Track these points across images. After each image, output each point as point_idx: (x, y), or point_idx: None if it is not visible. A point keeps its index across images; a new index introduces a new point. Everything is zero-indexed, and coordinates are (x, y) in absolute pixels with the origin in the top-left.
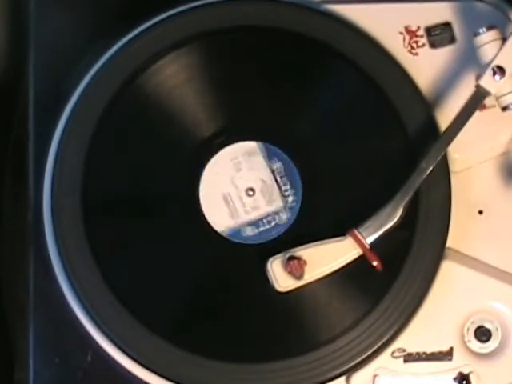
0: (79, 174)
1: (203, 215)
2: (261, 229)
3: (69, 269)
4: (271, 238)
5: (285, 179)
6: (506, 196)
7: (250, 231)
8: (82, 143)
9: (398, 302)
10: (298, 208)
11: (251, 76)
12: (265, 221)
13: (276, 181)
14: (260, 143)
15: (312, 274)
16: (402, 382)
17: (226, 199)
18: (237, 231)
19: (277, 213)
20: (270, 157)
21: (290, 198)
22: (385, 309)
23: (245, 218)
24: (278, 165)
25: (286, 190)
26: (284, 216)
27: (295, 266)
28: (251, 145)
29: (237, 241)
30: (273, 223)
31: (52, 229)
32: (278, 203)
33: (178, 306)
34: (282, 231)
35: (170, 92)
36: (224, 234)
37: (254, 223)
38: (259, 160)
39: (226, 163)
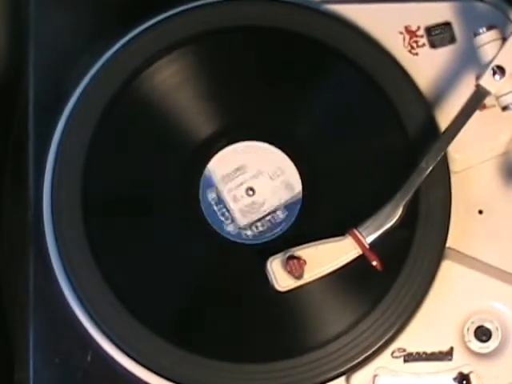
0: (79, 174)
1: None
2: (260, 229)
3: (69, 269)
4: (271, 237)
5: (282, 178)
6: (506, 196)
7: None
8: (82, 143)
9: (398, 302)
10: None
11: (251, 76)
12: (264, 221)
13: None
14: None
15: (312, 273)
16: (402, 381)
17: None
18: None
19: (275, 212)
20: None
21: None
22: (385, 309)
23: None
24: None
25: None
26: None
27: (295, 266)
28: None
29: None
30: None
31: (52, 229)
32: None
33: (178, 306)
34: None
35: (170, 92)
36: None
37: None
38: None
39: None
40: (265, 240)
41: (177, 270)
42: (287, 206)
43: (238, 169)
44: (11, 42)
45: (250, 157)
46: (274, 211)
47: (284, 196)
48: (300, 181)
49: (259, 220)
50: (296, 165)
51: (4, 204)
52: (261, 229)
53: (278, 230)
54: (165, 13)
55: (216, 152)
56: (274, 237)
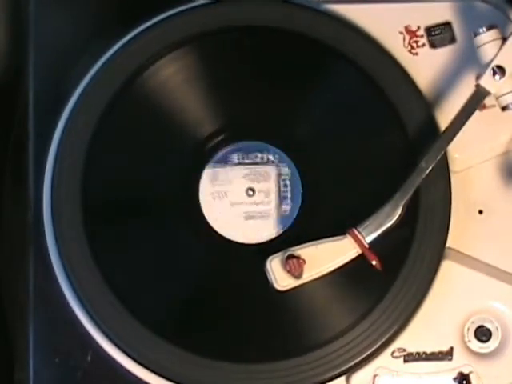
0: (79, 174)
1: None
2: (288, 195)
3: (69, 269)
4: (267, 238)
5: (251, 155)
6: (506, 196)
7: (286, 207)
8: (82, 143)
9: (398, 301)
10: (284, 157)
11: (251, 76)
12: (283, 189)
13: (248, 163)
14: (209, 165)
15: (311, 272)
16: (402, 382)
17: (249, 216)
18: (282, 219)
19: (280, 174)
20: (224, 161)
21: (271, 157)
22: (385, 309)
23: (272, 206)
24: (235, 156)
25: (262, 158)
26: (286, 170)
27: (294, 265)
28: (207, 172)
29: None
30: (288, 183)
31: (52, 229)
32: (271, 169)
33: (178, 306)
34: (277, 234)
35: (170, 92)
36: (280, 231)
37: (281, 200)
38: (223, 173)
39: (213, 201)
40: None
41: (177, 269)
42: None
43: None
44: (11, 42)
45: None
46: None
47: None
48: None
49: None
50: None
51: (4, 204)
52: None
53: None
54: (165, 13)
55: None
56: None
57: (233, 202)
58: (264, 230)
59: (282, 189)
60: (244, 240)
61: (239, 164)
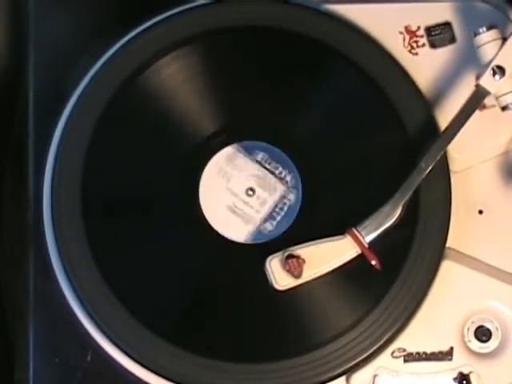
0: (79, 174)
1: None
2: (278, 218)
3: (69, 269)
4: (289, 222)
5: (274, 164)
6: (506, 196)
7: (269, 226)
8: (82, 143)
9: (398, 301)
10: (299, 185)
11: (251, 76)
12: (277, 210)
13: (267, 169)
14: (234, 145)
15: (311, 272)
16: (402, 382)
17: (233, 210)
18: (258, 232)
19: (284, 196)
20: (249, 152)
21: (288, 178)
22: (385, 309)
23: (258, 217)
24: (260, 155)
25: (281, 173)
26: (292, 196)
27: (294, 265)
28: (228, 150)
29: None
30: (285, 208)
31: (52, 229)
32: (281, 188)
33: (178, 306)
34: (297, 213)
35: (170, 92)
36: (250, 242)
37: (269, 217)
38: (242, 160)
39: (215, 177)
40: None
41: (177, 269)
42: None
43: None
44: (11, 42)
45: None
46: (280, 197)
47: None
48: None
49: (272, 212)
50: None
51: (4, 204)
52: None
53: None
54: (165, 13)
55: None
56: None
57: (230, 188)
58: (236, 230)
59: (277, 210)
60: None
61: (258, 163)
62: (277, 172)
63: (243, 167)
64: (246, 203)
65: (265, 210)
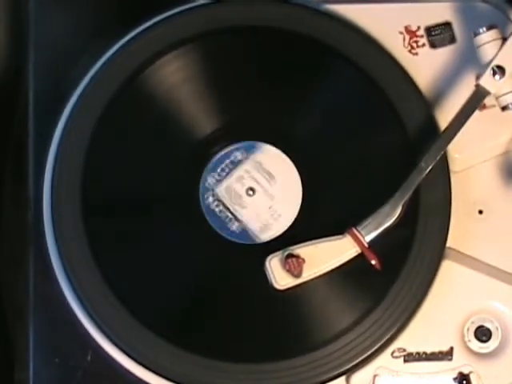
0: (79, 174)
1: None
2: (255, 228)
3: (69, 269)
4: (267, 238)
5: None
6: (506, 196)
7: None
8: (82, 143)
9: (398, 302)
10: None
11: (251, 76)
12: (272, 212)
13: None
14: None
15: (310, 272)
16: (402, 382)
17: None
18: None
19: (272, 213)
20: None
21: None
22: (385, 309)
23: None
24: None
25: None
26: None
27: (293, 264)
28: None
29: (236, 240)
30: (269, 224)
31: (52, 229)
32: (278, 194)
33: (178, 306)
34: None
35: (170, 92)
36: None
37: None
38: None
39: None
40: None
41: (177, 269)
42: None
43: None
44: (11, 42)
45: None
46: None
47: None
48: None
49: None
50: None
51: (4, 204)
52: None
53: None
54: (165, 13)
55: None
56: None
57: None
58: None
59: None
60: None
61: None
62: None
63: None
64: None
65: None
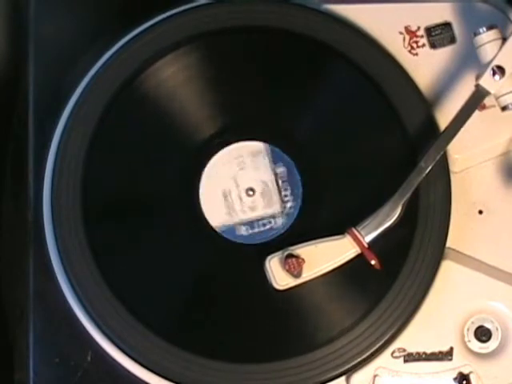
0: (79, 174)
1: (203, 215)
2: (255, 230)
3: (69, 269)
4: (264, 239)
5: (286, 184)
6: (506, 196)
7: (243, 231)
8: (82, 143)
9: (398, 301)
10: (295, 215)
11: (251, 76)
12: (260, 223)
13: (277, 185)
14: (266, 145)
15: (310, 272)
16: (402, 382)
17: (225, 196)
18: (231, 229)
19: (273, 217)
20: (274, 160)
21: (289, 204)
22: (385, 309)
23: (241, 216)
24: (281, 169)
25: (286, 196)
26: (280, 221)
27: (293, 264)
28: (257, 145)
29: (236, 240)
30: (267, 226)
31: (52, 229)
32: (276, 207)
33: (178, 306)
34: (275, 235)
35: (170, 92)
36: (218, 230)
37: (249, 223)
38: (263, 162)
39: (230, 160)
40: (264, 239)
41: (177, 269)
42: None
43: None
44: (11, 41)
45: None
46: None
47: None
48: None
49: (255, 221)
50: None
51: (4, 204)
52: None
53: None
54: (165, 13)
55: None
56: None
57: (236, 177)
58: (270, 227)
59: (259, 222)
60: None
61: (274, 175)
62: (283, 193)
63: (260, 168)
64: (239, 197)
65: (249, 216)
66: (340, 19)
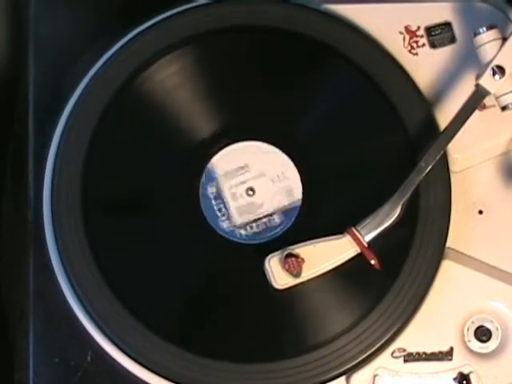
0: (79, 174)
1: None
2: (255, 230)
3: (69, 269)
4: (264, 239)
5: (286, 184)
6: (506, 196)
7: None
8: (82, 143)
9: (398, 301)
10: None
11: (251, 76)
12: (260, 222)
13: (278, 185)
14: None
15: (310, 271)
16: (402, 382)
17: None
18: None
19: (273, 216)
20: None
21: (289, 204)
22: (385, 309)
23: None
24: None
25: (286, 195)
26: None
27: (293, 264)
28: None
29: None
30: (267, 226)
31: (52, 229)
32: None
33: (178, 306)
34: (275, 235)
35: (170, 92)
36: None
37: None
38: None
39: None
40: (264, 239)
41: (177, 269)
42: (286, 208)
43: (240, 167)
44: (11, 41)
45: (252, 157)
46: (271, 214)
47: (283, 198)
48: (300, 180)
49: (255, 221)
50: (296, 165)
51: (4, 204)
52: (255, 230)
53: (274, 232)
54: (165, 13)
55: (216, 152)
56: (273, 237)
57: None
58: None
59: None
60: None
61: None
62: (283, 193)
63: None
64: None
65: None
66: (340, 19)
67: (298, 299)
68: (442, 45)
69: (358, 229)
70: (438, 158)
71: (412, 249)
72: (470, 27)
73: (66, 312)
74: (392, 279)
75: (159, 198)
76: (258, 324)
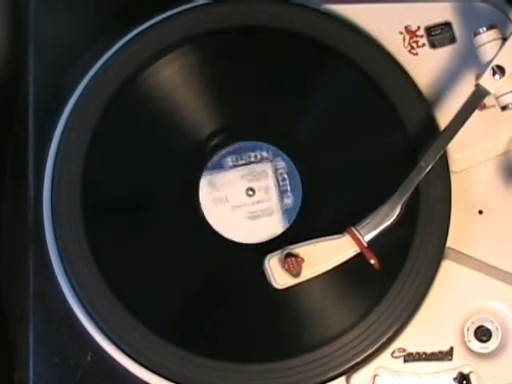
0: (79, 174)
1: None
2: (255, 229)
3: (69, 269)
4: (264, 239)
5: (286, 184)
6: (506, 196)
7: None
8: (82, 143)
9: (398, 301)
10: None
11: (251, 76)
12: (260, 222)
13: (278, 184)
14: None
15: (309, 271)
16: (402, 382)
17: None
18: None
19: (273, 216)
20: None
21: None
22: (385, 309)
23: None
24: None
25: (286, 195)
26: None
27: (292, 264)
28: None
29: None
30: (267, 225)
31: (52, 229)
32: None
33: (178, 306)
34: (275, 235)
35: (170, 92)
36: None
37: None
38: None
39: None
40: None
41: (177, 269)
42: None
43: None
44: (11, 41)
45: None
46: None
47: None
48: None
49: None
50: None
51: (4, 204)
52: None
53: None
54: (165, 13)
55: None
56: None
57: (234, 205)
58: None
59: (281, 183)
60: (251, 240)
61: (234, 166)
62: (252, 159)
63: (227, 181)
64: (256, 202)
65: (273, 193)
66: (340, 19)
67: (298, 299)
68: (441, 45)
69: (358, 228)
70: (437, 157)
71: (412, 249)
72: (470, 27)
73: (66, 312)
74: (392, 279)
75: (159, 197)
76: (258, 324)
